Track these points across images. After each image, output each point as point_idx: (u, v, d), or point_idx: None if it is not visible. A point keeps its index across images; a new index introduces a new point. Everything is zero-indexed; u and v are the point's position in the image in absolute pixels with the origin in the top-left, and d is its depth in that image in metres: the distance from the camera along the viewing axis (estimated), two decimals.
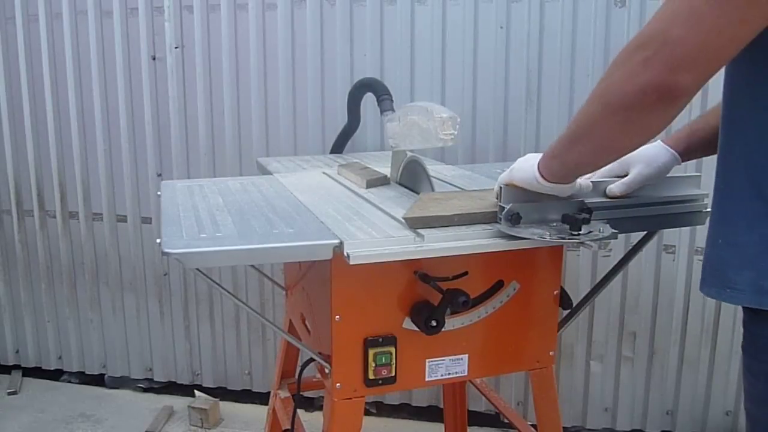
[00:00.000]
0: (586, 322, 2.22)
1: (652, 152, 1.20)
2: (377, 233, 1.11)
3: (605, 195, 1.23)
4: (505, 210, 1.10)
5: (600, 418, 2.29)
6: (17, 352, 2.72)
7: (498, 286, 1.26)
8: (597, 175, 1.25)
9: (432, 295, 1.20)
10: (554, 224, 1.12)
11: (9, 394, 2.61)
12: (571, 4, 2.02)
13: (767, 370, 0.90)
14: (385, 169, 1.56)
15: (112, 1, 2.30)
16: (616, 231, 1.11)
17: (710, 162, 1.02)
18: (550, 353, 1.34)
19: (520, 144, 2.12)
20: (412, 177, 1.45)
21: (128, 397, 2.61)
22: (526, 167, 1.07)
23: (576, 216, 1.09)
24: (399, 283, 1.21)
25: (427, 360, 1.26)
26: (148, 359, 2.60)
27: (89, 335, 2.63)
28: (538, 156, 1.06)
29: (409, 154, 1.48)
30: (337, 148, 2.11)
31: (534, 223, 1.12)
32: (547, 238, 1.07)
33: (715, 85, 0.94)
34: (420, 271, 1.19)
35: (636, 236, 1.61)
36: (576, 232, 1.08)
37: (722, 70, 0.85)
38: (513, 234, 1.09)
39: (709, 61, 0.78)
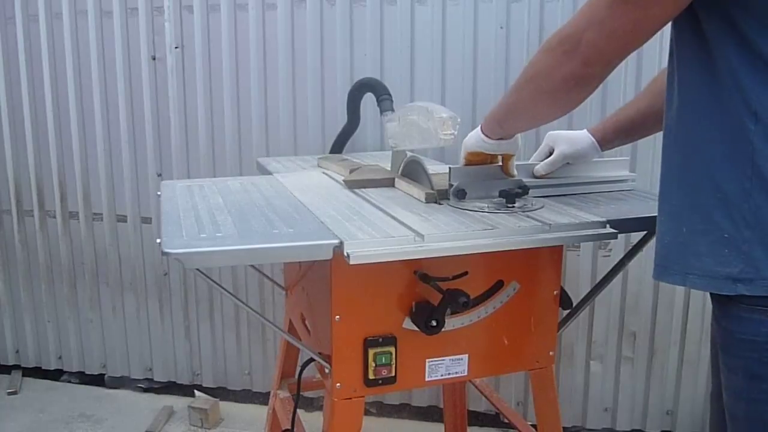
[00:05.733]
0: (586, 322, 2.22)
1: (575, 135, 1.42)
2: (377, 233, 1.10)
3: (534, 176, 1.42)
4: (453, 187, 1.29)
5: (600, 418, 2.29)
6: (17, 352, 2.72)
7: (498, 286, 1.27)
8: (533, 158, 1.46)
9: (432, 295, 1.20)
10: (495, 200, 1.30)
11: (9, 394, 2.60)
12: (571, 4, 2.02)
13: (744, 365, 0.92)
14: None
15: (112, 1, 2.30)
16: (542, 205, 1.28)
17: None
18: (550, 353, 1.34)
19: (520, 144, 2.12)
20: (412, 177, 1.45)
21: (128, 397, 2.61)
22: (473, 134, 1.30)
23: (510, 190, 1.27)
24: (399, 283, 1.21)
25: (427, 360, 1.26)
26: (148, 359, 2.60)
27: (89, 335, 2.63)
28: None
29: (409, 154, 1.48)
30: (337, 148, 2.11)
31: (478, 199, 1.30)
32: (486, 210, 1.23)
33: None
34: (420, 271, 1.19)
35: (636, 236, 1.60)
36: (511, 205, 1.26)
37: (674, 67, 1.00)
38: (459, 207, 1.25)
39: (614, 56, 0.97)
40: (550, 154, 1.43)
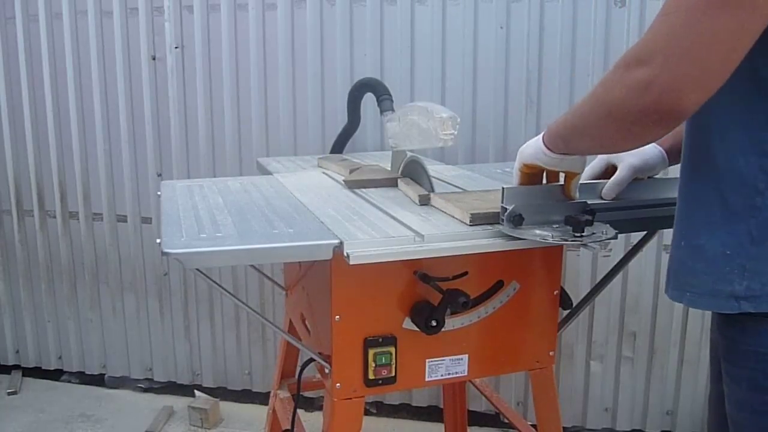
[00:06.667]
0: (586, 322, 2.22)
1: None
2: (377, 233, 1.10)
3: (601, 198, 1.24)
4: (508, 211, 1.09)
5: (600, 418, 2.29)
6: (17, 352, 2.72)
7: (498, 286, 1.26)
8: (585, 176, 1.26)
9: (432, 295, 1.20)
10: (557, 226, 1.12)
11: (9, 394, 2.60)
12: (571, 4, 2.02)
13: (748, 375, 0.90)
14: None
15: (112, 1, 2.30)
16: (616, 231, 1.10)
17: None
18: (550, 353, 1.34)
19: (520, 144, 2.11)
20: (412, 177, 1.45)
21: (128, 397, 2.61)
22: (532, 143, 1.09)
23: (579, 217, 1.08)
24: (399, 283, 1.21)
25: (427, 360, 1.26)
26: (148, 359, 2.60)
27: (89, 335, 2.63)
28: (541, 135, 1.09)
29: (409, 154, 1.48)
30: (337, 148, 2.11)
31: (536, 225, 1.11)
32: (550, 240, 1.06)
33: None
34: (420, 271, 1.19)
35: (636, 236, 1.61)
36: (579, 234, 1.07)
37: None
38: (515, 235, 1.08)
39: (713, 78, 0.77)
40: (606, 169, 1.26)
